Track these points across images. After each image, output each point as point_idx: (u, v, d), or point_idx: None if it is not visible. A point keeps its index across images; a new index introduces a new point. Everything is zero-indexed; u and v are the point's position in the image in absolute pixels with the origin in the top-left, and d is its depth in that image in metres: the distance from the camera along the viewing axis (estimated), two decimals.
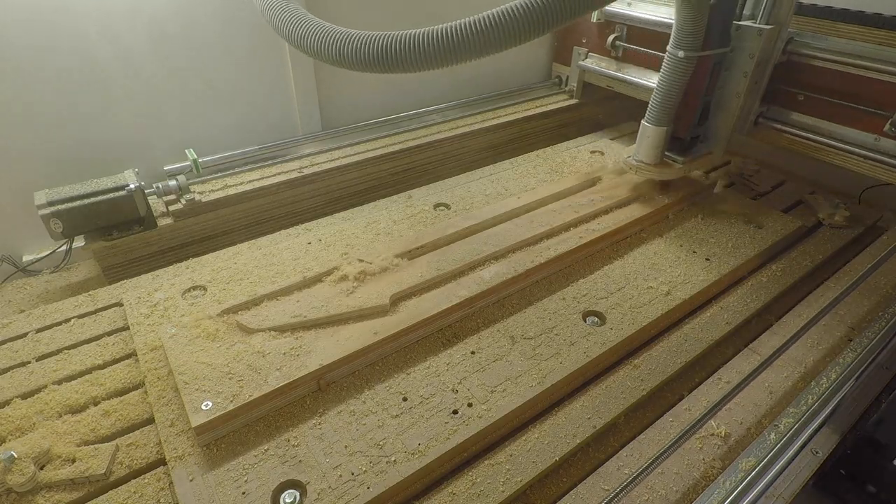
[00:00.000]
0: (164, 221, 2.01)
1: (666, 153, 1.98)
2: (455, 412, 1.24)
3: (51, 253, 2.02)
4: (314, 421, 1.23)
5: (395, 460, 1.14)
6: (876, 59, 1.80)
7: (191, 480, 1.10)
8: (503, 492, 1.11)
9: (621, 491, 1.09)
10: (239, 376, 1.26)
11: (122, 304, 1.59)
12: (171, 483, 1.11)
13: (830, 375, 1.32)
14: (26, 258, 2.06)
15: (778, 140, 2.14)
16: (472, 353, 1.40)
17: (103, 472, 1.13)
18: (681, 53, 1.70)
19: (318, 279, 1.60)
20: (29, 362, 1.41)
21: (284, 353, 1.33)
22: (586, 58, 2.84)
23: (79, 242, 1.92)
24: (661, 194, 2.01)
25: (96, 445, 1.19)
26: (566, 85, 3.06)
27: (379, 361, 1.39)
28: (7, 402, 1.29)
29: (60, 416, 1.26)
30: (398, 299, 1.52)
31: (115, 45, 1.90)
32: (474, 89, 2.93)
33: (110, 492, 1.11)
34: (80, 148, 2.00)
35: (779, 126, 2.09)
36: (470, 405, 1.26)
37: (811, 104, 2.04)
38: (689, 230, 1.90)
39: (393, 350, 1.42)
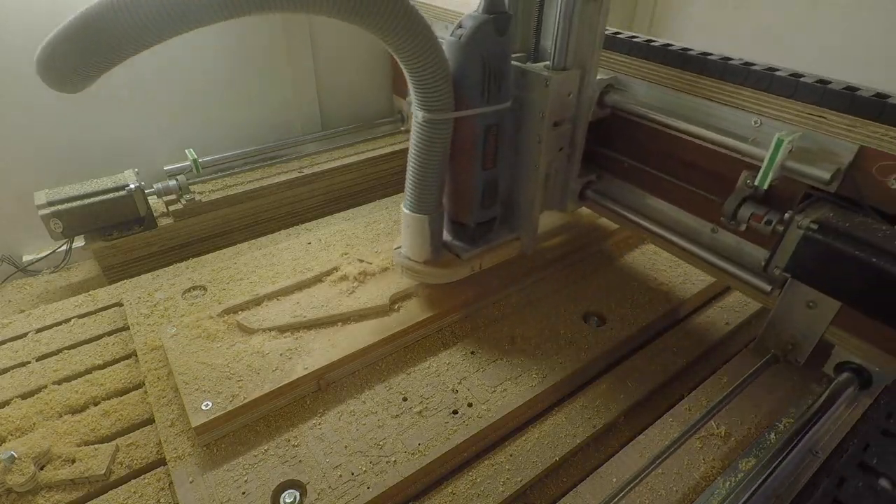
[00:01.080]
0: (164, 221, 2.01)
1: (453, 242, 1.51)
2: (455, 412, 1.24)
3: (51, 253, 2.02)
4: (314, 421, 1.23)
5: (395, 460, 1.14)
6: (693, 121, 1.28)
7: (191, 481, 1.10)
8: (503, 492, 1.11)
9: (621, 491, 1.09)
10: (239, 376, 1.26)
11: (122, 304, 1.59)
12: (171, 483, 1.11)
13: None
14: (26, 258, 2.06)
15: (612, 218, 1.66)
16: (472, 353, 1.40)
17: (103, 472, 1.13)
18: (420, 115, 1.24)
19: (318, 279, 1.60)
20: (29, 362, 1.41)
21: (284, 353, 1.33)
22: None
23: (79, 242, 1.93)
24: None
25: (96, 445, 1.19)
26: (405, 123, 2.58)
27: (379, 361, 1.39)
28: (7, 402, 1.29)
29: (60, 416, 1.26)
30: (398, 299, 1.52)
31: None
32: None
33: (110, 492, 1.11)
34: (80, 148, 2.00)
35: (607, 202, 1.58)
36: (470, 405, 1.26)
37: (642, 176, 1.51)
38: None
39: (393, 350, 1.41)
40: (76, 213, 1.77)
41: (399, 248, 1.49)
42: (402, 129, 2.61)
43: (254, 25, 2.11)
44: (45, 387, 1.33)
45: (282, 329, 1.41)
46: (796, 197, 1.16)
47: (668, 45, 1.34)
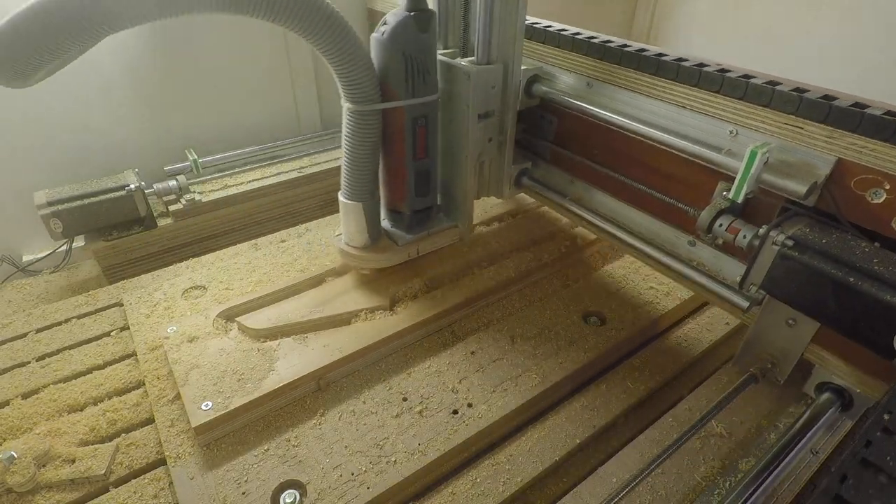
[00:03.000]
0: (164, 221, 2.01)
1: (391, 229, 1.58)
2: (455, 412, 1.24)
3: (51, 253, 2.02)
4: (314, 421, 1.23)
5: (395, 460, 1.14)
6: (664, 128, 1.22)
7: (191, 480, 1.10)
8: (503, 492, 1.11)
9: (621, 491, 1.09)
10: (239, 376, 1.26)
11: (122, 304, 1.59)
12: (171, 483, 1.11)
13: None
14: (26, 258, 2.06)
15: (552, 206, 1.68)
16: (472, 353, 1.40)
17: (103, 472, 1.13)
18: (347, 107, 1.32)
19: (317, 279, 1.60)
20: (29, 362, 1.41)
21: (284, 353, 1.33)
22: None
23: (79, 242, 1.93)
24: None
25: (96, 445, 1.19)
26: None
27: (379, 361, 1.39)
28: (7, 402, 1.29)
29: (60, 416, 1.26)
30: (398, 299, 1.52)
31: (116, 45, 1.90)
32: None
33: (110, 492, 1.11)
34: (80, 148, 2.00)
35: (543, 191, 1.60)
36: (470, 405, 1.26)
37: (594, 176, 1.49)
38: None
39: (393, 350, 1.41)
40: (76, 213, 1.77)
41: (339, 234, 1.58)
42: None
43: (254, 25, 2.12)
44: (45, 387, 1.33)
45: (282, 329, 1.41)
46: (775, 210, 1.11)
47: (643, 49, 1.29)
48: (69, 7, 0.92)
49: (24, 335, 1.50)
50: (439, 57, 1.40)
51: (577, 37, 1.40)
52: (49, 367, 1.39)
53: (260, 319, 1.43)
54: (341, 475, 1.11)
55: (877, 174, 0.93)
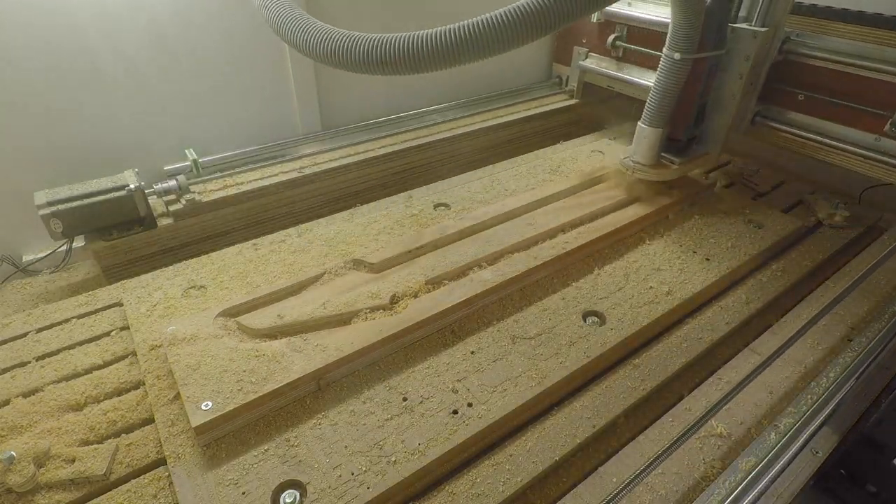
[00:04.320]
0: (164, 221, 2.00)
1: (663, 154, 1.99)
2: (455, 412, 1.24)
3: (51, 253, 2.02)
4: (314, 421, 1.23)
5: (395, 460, 1.14)
6: (875, 59, 1.81)
7: (191, 480, 1.10)
8: (503, 492, 1.11)
9: (621, 491, 1.09)
10: (239, 376, 1.26)
11: (122, 304, 1.59)
12: (171, 483, 1.11)
13: (830, 375, 1.32)
14: (26, 258, 2.06)
15: (775, 139, 2.15)
16: (472, 353, 1.40)
17: (103, 472, 1.13)
18: (676, 55, 1.72)
19: (317, 279, 1.60)
20: (29, 362, 1.41)
21: (284, 353, 1.33)
22: (586, 58, 2.82)
23: (79, 242, 1.92)
24: (661, 195, 2.01)
25: (96, 445, 1.19)
26: (566, 85, 3.05)
27: (379, 361, 1.39)
28: (7, 402, 1.29)
29: (60, 416, 1.26)
30: (398, 299, 1.52)
31: (115, 45, 1.90)
32: (474, 89, 2.92)
33: (110, 492, 1.11)
34: (80, 148, 2.00)
35: (776, 125, 2.11)
36: (470, 405, 1.26)
37: (809, 104, 2.05)
38: (688, 230, 1.90)
39: (393, 350, 1.41)
40: (76, 213, 1.77)
41: (626, 158, 2.00)
42: (564, 90, 3.07)
43: (254, 25, 2.11)
44: (45, 387, 1.33)
45: (282, 329, 1.41)
46: None
47: (858, 9, 1.88)
48: None
49: (24, 335, 1.50)
50: None
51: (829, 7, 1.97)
52: (49, 366, 1.39)
53: (260, 319, 1.43)
54: (341, 475, 1.11)
55: None
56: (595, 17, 2.63)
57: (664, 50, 1.76)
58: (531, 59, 3.09)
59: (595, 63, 2.79)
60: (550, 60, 3.15)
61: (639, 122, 1.93)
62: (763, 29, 1.82)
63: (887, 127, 1.81)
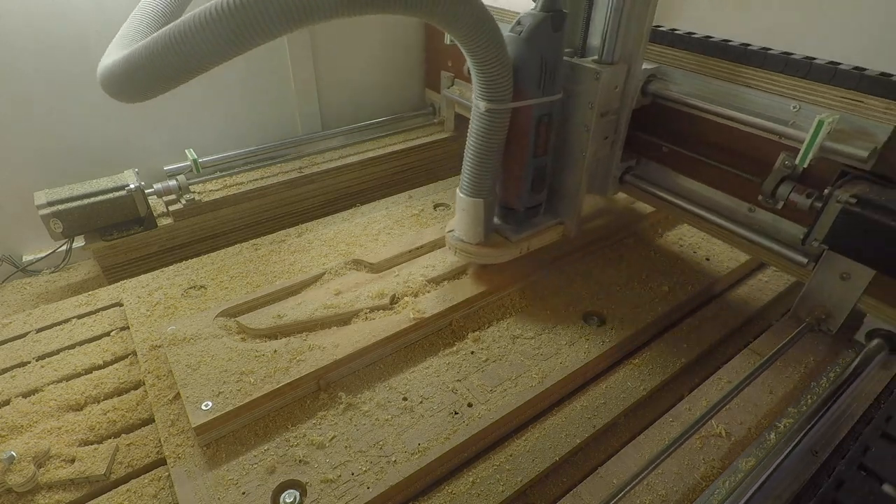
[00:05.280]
0: (164, 221, 2.01)
1: (502, 226, 1.60)
2: (455, 412, 1.24)
3: (51, 253, 2.02)
4: (314, 421, 1.23)
5: (395, 460, 1.14)
6: (732, 106, 1.36)
7: (191, 480, 1.10)
8: (503, 492, 1.11)
9: (621, 491, 1.09)
10: (239, 376, 1.26)
11: (122, 304, 1.59)
12: (171, 483, 1.11)
13: (830, 375, 1.32)
14: (26, 258, 2.06)
15: (649, 201, 1.73)
16: (472, 353, 1.40)
17: (103, 472, 1.13)
18: (482, 106, 1.33)
19: (317, 279, 1.60)
20: (29, 362, 1.41)
21: (284, 354, 1.33)
22: (452, 84, 2.44)
23: (79, 242, 1.93)
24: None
25: (96, 445, 1.19)
26: (438, 115, 2.66)
27: (379, 361, 1.39)
28: (7, 402, 1.29)
29: (60, 416, 1.26)
30: (398, 299, 1.52)
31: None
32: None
33: (110, 492, 1.11)
34: (80, 148, 2.00)
35: (645, 186, 1.66)
36: (470, 405, 1.26)
37: (680, 160, 1.61)
38: (687, 230, 1.90)
39: (393, 350, 1.41)
40: (76, 213, 1.77)
41: (452, 231, 1.59)
42: (434, 121, 2.71)
43: None
44: (45, 387, 1.33)
45: (281, 329, 1.41)
46: (830, 177, 1.24)
47: (709, 36, 1.46)
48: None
49: (24, 335, 1.50)
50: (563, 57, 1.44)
51: (691, 36, 1.52)
52: (49, 366, 1.39)
53: (260, 319, 1.43)
54: (341, 475, 1.11)
55: None
56: (448, 38, 2.09)
57: (472, 98, 1.38)
58: (400, 82, 2.65)
59: (459, 92, 2.39)
60: (423, 86, 2.74)
61: (457, 190, 1.51)
62: (608, 66, 1.39)
63: (761, 196, 1.37)
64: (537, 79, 1.35)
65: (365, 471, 1.12)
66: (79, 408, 1.29)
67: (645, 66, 1.48)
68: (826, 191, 1.20)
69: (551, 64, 1.35)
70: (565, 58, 1.43)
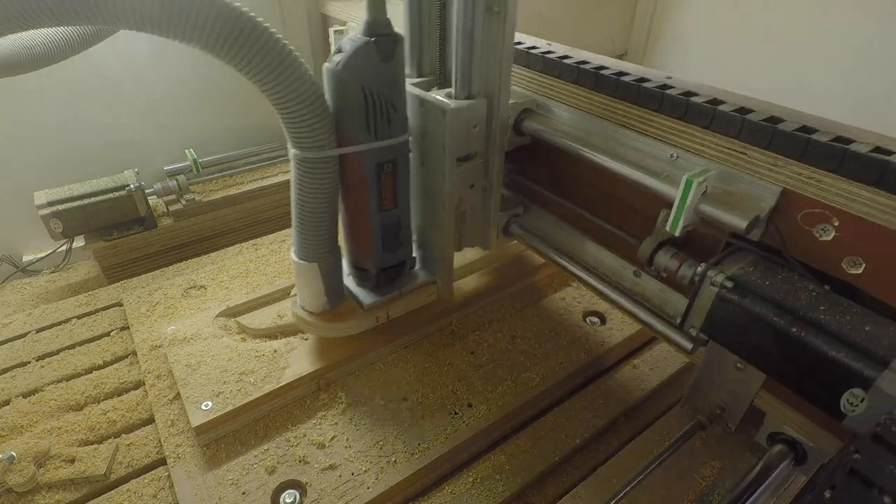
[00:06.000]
0: (164, 221, 2.01)
1: (357, 290, 1.35)
2: (455, 412, 1.24)
3: (51, 253, 2.02)
4: (314, 421, 1.23)
5: (395, 460, 1.14)
6: (605, 149, 1.10)
7: (191, 480, 1.10)
8: (503, 492, 1.11)
9: (621, 491, 1.08)
10: (239, 376, 1.26)
11: (122, 304, 1.59)
12: (171, 483, 1.11)
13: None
14: (26, 258, 2.06)
15: (539, 254, 1.41)
16: (472, 353, 1.40)
17: (103, 472, 1.13)
18: (293, 153, 1.09)
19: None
20: (29, 362, 1.41)
21: (284, 354, 1.33)
22: None
23: (79, 242, 1.93)
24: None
25: (96, 445, 1.19)
26: None
27: (379, 361, 1.39)
28: (7, 402, 1.29)
29: (60, 416, 1.26)
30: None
31: (116, 46, 1.90)
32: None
33: (110, 492, 1.11)
34: (80, 148, 2.00)
35: (532, 238, 1.39)
36: (470, 405, 1.26)
37: (564, 210, 1.35)
38: None
39: (393, 350, 1.41)
40: (76, 213, 1.77)
41: (294, 294, 1.35)
42: None
43: None
44: (46, 386, 1.33)
45: (282, 329, 1.41)
46: (721, 243, 0.99)
47: (584, 62, 1.17)
48: None
49: (24, 335, 1.50)
50: (410, 88, 1.17)
51: (564, 61, 1.19)
52: (49, 366, 1.39)
53: (260, 319, 1.43)
54: (341, 475, 1.11)
55: (825, 208, 0.82)
56: None
57: (288, 144, 1.11)
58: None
59: None
60: None
61: (291, 252, 1.27)
62: (459, 101, 1.13)
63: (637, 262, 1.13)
64: (364, 120, 1.08)
65: (365, 471, 1.12)
66: (79, 408, 1.29)
67: (518, 99, 1.23)
68: (700, 268, 0.92)
69: (384, 100, 1.07)
70: (415, 90, 1.17)
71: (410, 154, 1.24)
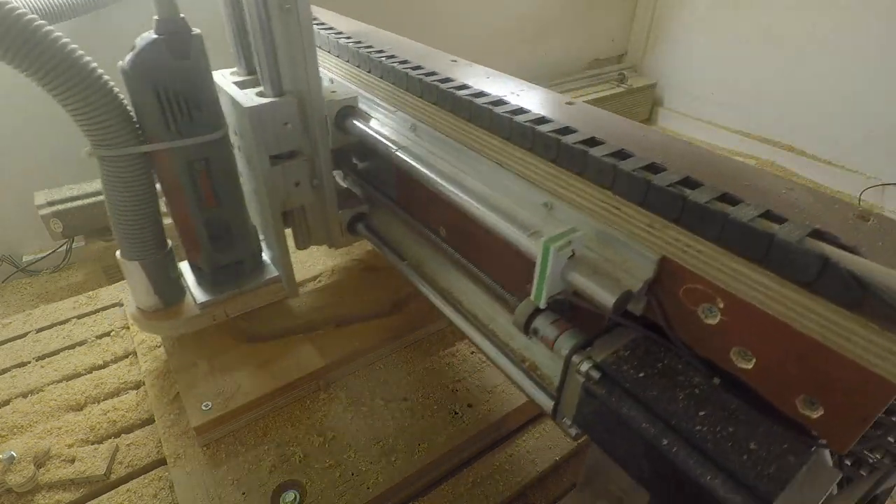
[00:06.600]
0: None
1: (195, 288, 1.33)
2: (455, 412, 1.24)
3: (51, 253, 2.02)
4: (314, 421, 1.23)
5: (395, 460, 1.14)
6: (447, 176, 0.93)
7: (191, 480, 1.10)
8: (503, 492, 1.11)
9: (621, 491, 1.08)
10: (239, 376, 1.26)
11: (122, 304, 1.59)
12: (171, 483, 1.11)
13: None
14: (26, 258, 2.06)
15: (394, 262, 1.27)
16: (472, 353, 1.40)
17: (103, 472, 1.13)
18: (85, 151, 1.08)
19: (316, 279, 1.60)
20: (29, 362, 1.41)
21: (285, 354, 1.33)
22: None
23: (79, 242, 1.93)
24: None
25: (96, 445, 1.19)
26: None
27: (379, 361, 1.39)
28: (7, 402, 1.29)
29: (60, 417, 1.26)
30: (399, 300, 1.52)
31: (115, 46, 1.90)
32: None
33: (110, 492, 1.11)
34: (80, 148, 2.00)
35: (374, 238, 1.33)
36: (470, 405, 1.26)
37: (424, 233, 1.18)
38: None
39: (393, 350, 1.41)
40: (76, 213, 1.77)
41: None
42: None
43: None
44: (45, 387, 1.33)
45: (282, 329, 1.41)
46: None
47: (406, 61, 1.08)
48: None
49: (24, 335, 1.50)
50: (224, 85, 1.17)
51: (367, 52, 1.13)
52: (49, 366, 1.40)
53: (260, 319, 1.43)
54: (341, 475, 1.11)
55: (707, 286, 0.63)
56: None
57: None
58: None
59: None
60: None
61: (117, 252, 1.25)
62: (264, 102, 1.10)
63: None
64: (161, 118, 1.06)
65: (365, 470, 1.12)
66: (79, 408, 1.29)
67: (342, 96, 1.17)
68: (566, 350, 0.73)
69: (182, 98, 1.06)
70: (227, 88, 1.17)
71: (238, 153, 1.24)
